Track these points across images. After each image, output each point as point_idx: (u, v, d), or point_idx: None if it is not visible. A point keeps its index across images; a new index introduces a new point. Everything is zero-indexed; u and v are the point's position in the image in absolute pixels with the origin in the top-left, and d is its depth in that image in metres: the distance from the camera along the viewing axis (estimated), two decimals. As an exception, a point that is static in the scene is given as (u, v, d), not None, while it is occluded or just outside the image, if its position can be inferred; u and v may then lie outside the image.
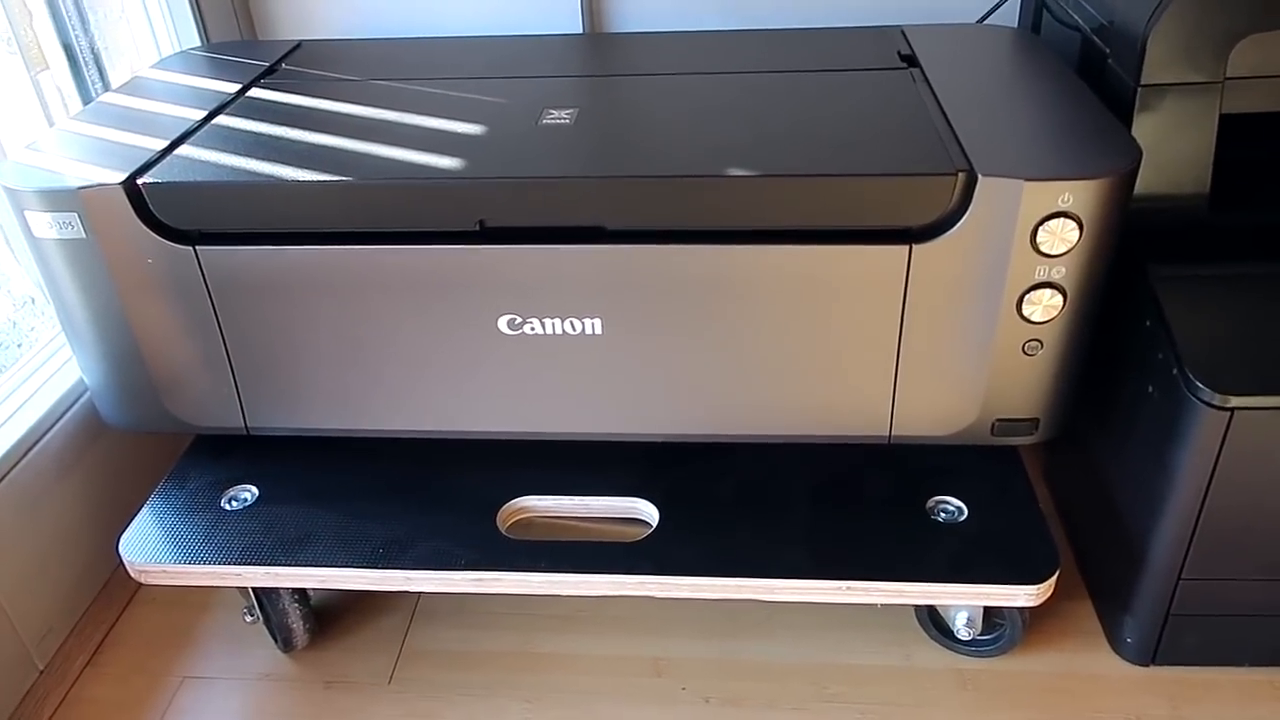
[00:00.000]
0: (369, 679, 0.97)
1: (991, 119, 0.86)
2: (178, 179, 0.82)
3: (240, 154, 0.86)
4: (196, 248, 0.84)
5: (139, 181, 0.82)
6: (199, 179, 0.82)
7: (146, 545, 0.91)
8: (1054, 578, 0.84)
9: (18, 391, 0.99)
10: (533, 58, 1.09)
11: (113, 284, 0.86)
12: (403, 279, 0.85)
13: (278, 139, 0.89)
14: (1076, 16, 1.00)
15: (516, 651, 0.99)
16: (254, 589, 0.94)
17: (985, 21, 1.19)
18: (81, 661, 1.00)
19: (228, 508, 0.94)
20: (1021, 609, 0.90)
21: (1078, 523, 1.05)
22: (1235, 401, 0.76)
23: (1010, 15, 1.19)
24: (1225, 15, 0.81)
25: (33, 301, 1.15)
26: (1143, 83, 0.84)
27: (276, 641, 0.98)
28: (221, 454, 0.99)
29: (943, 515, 0.90)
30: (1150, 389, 0.83)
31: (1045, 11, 1.11)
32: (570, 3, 1.27)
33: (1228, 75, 0.83)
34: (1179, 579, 0.86)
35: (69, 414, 1.00)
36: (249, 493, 0.95)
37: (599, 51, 1.12)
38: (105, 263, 0.85)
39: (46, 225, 0.83)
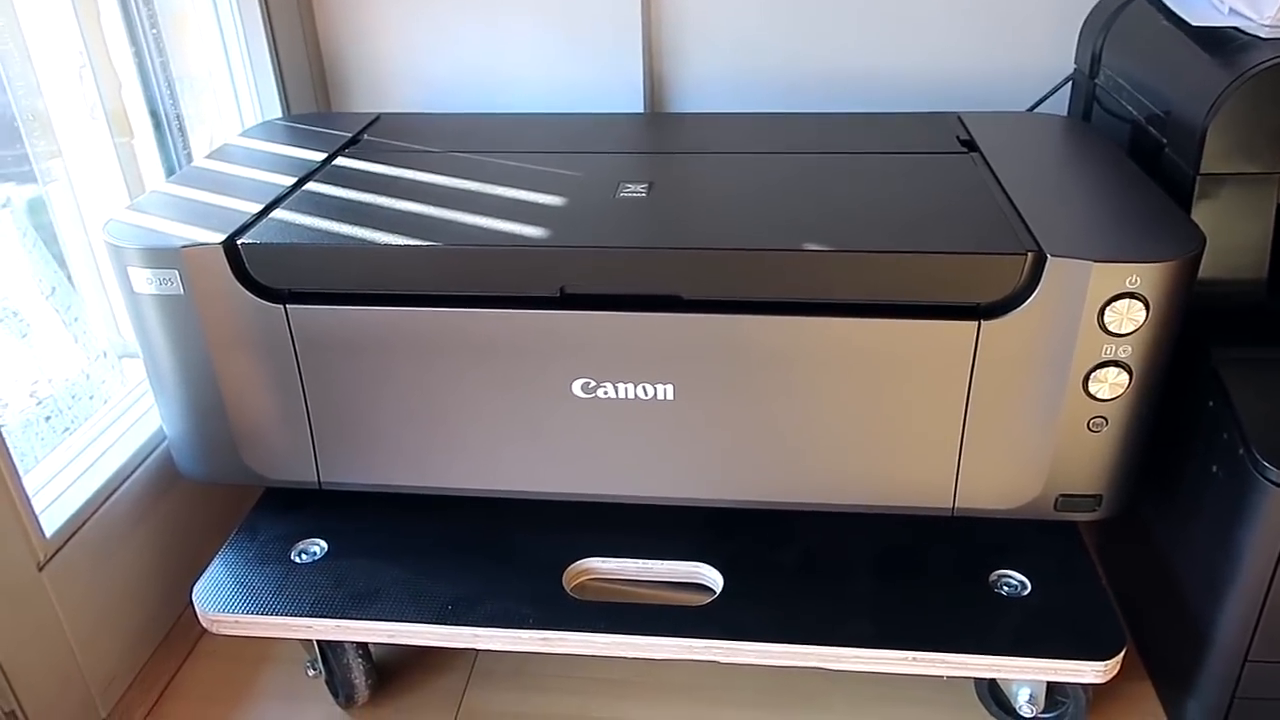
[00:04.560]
0: (426, 738, 0.98)
1: (1055, 202, 0.89)
2: (273, 240, 0.86)
3: (331, 218, 0.90)
4: (287, 305, 0.88)
5: (238, 242, 0.86)
6: (293, 240, 0.86)
7: (218, 595, 0.92)
8: (1121, 654, 0.84)
9: (97, 442, 1.02)
10: (603, 134, 1.13)
11: (203, 338, 0.89)
12: (482, 341, 0.87)
13: (365, 205, 0.93)
14: (1130, 107, 1.04)
15: (573, 715, 0.99)
16: (318, 642, 0.95)
17: (1036, 110, 1.24)
18: (142, 712, 1.00)
19: (297, 561, 0.95)
20: (1085, 687, 0.90)
21: (1135, 601, 1.05)
22: (1303, 481, 0.77)
23: (1060, 104, 1.24)
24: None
25: (105, 355, 1.19)
26: (1202, 172, 0.87)
27: (338, 697, 0.98)
28: (291, 507, 1.01)
29: (1005, 589, 0.91)
30: (1214, 468, 0.85)
31: (1095, 102, 1.15)
32: (633, 84, 1.32)
33: (1285, 166, 0.86)
34: (1245, 660, 0.86)
35: (143, 466, 1.03)
36: (318, 546, 0.97)
37: (665, 130, 1.17)
38: (198, 318, 0.88)
39: (146, 281, 0.87)
